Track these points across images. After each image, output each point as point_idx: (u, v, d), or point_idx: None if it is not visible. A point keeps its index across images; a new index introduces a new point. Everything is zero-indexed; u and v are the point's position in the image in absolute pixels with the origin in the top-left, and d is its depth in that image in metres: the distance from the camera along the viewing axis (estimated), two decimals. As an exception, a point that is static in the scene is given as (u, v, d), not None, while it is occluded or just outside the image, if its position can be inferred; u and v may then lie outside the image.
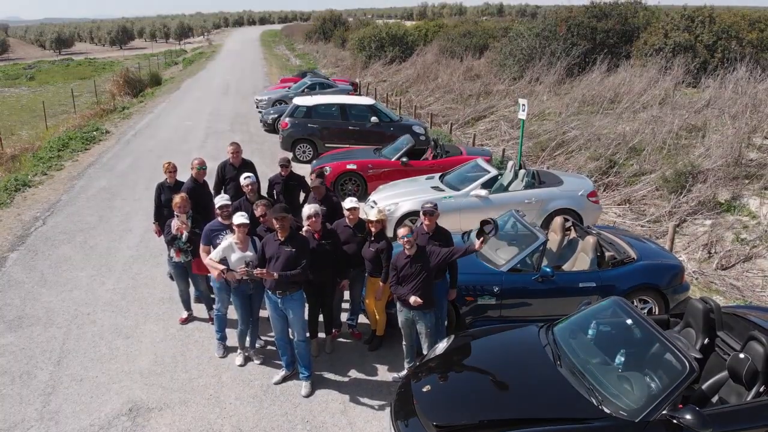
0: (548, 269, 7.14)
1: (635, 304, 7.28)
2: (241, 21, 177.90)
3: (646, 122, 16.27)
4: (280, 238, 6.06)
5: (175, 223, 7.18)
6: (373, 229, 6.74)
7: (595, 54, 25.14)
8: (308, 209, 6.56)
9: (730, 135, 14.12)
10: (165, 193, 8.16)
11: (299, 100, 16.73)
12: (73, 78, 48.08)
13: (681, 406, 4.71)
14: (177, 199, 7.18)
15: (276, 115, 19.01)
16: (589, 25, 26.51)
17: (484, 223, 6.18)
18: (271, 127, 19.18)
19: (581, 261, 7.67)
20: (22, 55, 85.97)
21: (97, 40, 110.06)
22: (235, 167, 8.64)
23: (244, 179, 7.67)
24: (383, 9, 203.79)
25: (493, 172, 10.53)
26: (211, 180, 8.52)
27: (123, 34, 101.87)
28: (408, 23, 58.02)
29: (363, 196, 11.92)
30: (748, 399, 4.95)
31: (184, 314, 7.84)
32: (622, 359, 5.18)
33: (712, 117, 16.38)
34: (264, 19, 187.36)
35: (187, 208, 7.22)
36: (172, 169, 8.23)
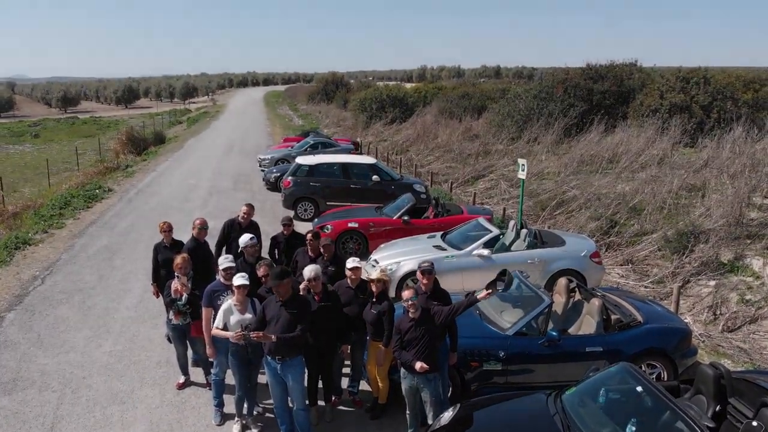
0: (555, 333, 7.02)
1: (643, 368, 7.12)
2: (245, 82, 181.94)
3: (645, 182, 16.40)
4: (280, 299, 5.98)
5: (174, 285, 7.11)
6: (374, 290, 6.66)
7: (592, 114, 25.61)
8: (309, 271, 6.47)
9: (729, 195, 14.20)
10: (162, 253, 8.13)
11: (302, 159, 16.93)
12: (78, 136, 48.82)
13: (697, 479, 4.53)
14: (178, 259, 7.13)
15: (278, 174, 19.17)
16: (586, 86, 27.13)
17: (500, 274, 6.08)
18: (273, 186, 19.31)
19: (587, 324, 7.55)
20: (28, 112, 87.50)
21: (103, 99, 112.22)
22: (242, 226, 8.66)
23: (249, 240, 7.64)
24: (384, 71, 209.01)
25: (495, 231, 10.52)
26: (212, 238, 8.49)
27: (129, 94, 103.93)
28: (408, 85, 59.38)
29: (364, 255, 11.87)
30: (765, 471, 4.77)
31: (181, 379, 7.65)
32: (634, 429, 5.02)
33: (711, 177, 16.52)
34: (268, 80, 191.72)
35: (187, 269, 7.16)
36: (167, 229, 8.23)
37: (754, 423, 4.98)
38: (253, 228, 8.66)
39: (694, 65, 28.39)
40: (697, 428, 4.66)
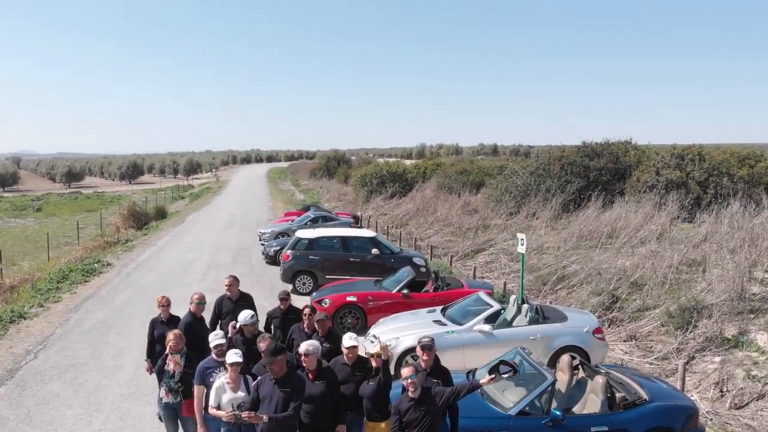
0: (558, 412, 6.82)
1: (651, 449, 6.88)
2: (249, 158, 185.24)
3: (645, 257, 16.38)
4: (274, 377, 5.82)
5: (170, 359, 6.96)
6: (375, 364, 6.49)
7: (589, 191, 25.91)
8: (304, 346, 6.33)
9: (730, 269, 14.14)
10: (158, 328, 8.01)
11: (301, 233, 16.98)
12: (81, 210, 49.25)
13: None
14: (170, 336, 7.01)
15: (278, 248, 19.20)
16: (582, 163, 27.58)
17: (503, 363, 5.98)
18: (273, 259, 19.29)
19: (591, 403, 7.34)
20: (32, 187, 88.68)
21: (107, 175, 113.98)
22: (232, 301, 8.57)
23: (249, 318, 7.54)
24: (384, 149, 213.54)
25: (496, 306, 10.41)
26: (207, 315, 8.38)
27: (133, 170, 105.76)
28: (407, 162, 60.54)
29: (363, 330, 11.69)
30: None
31: (172, 459, 7.36)
32: None
33: (711, 251, 16.51)
34: (271, 158, 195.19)
35: (180, 345, 7.03)
36: (165, 303, 8.15)
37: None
38: (247, 301, 8.56)
39: (687, 142, 29.00)
40: None
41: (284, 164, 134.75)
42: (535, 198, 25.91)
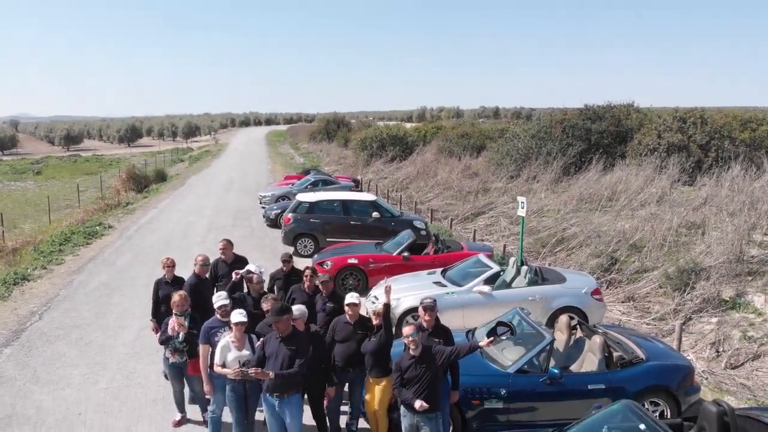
0: (556, 371, 6.94)
1: (646, 406, 7.02)
2: (247, 121, 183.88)
3: (645, 219, 16.43)
4: (280, 336, 5.94)
5: (172, 322, 7.07)
6: (375, 322, 6.64)
7: (590, 154, 25.83)
8: (293, 311, 6.46)
9: (729, 232, 14.21)
10: (163, 288, 8.10)
11: (302, 196, 17.01)
12: (80, 173, 49.14)
13: None
14: (176, 297, 7.11)
15: (279, 211, 19.24)
16: (584, 126, 27.41)
17: (501, 324, 6.08)
18: (273, 223, 19.36)
19: (589, 362, 7.48)
20: (31, 150, 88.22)
21: (106, 138, 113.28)
22: (227, 264, 8.62)
23: (256, 273, 7.65)
24: (384, 112, 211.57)
25: (496, 268, 10.49)
26: None
27: (132, 133, 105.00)
28: (408, 125, 60.08)
29: (364, 291, 11.81)
30: None
31: (178, 416, 7.53)
32: (638, 468, 4.93)
33: (711, 214, 16.56)
34: (270, 120, 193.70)
35: (185, 306, 7.13)
36: (170, 264, 8.22)
37: (760, 462, 4.89)
38: (242, 263, 8.63)
39: (689, 106, 28.74)
40: (702, 467, 4.57)
41: (283, 127, 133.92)
42: (536, 161, 25.84)
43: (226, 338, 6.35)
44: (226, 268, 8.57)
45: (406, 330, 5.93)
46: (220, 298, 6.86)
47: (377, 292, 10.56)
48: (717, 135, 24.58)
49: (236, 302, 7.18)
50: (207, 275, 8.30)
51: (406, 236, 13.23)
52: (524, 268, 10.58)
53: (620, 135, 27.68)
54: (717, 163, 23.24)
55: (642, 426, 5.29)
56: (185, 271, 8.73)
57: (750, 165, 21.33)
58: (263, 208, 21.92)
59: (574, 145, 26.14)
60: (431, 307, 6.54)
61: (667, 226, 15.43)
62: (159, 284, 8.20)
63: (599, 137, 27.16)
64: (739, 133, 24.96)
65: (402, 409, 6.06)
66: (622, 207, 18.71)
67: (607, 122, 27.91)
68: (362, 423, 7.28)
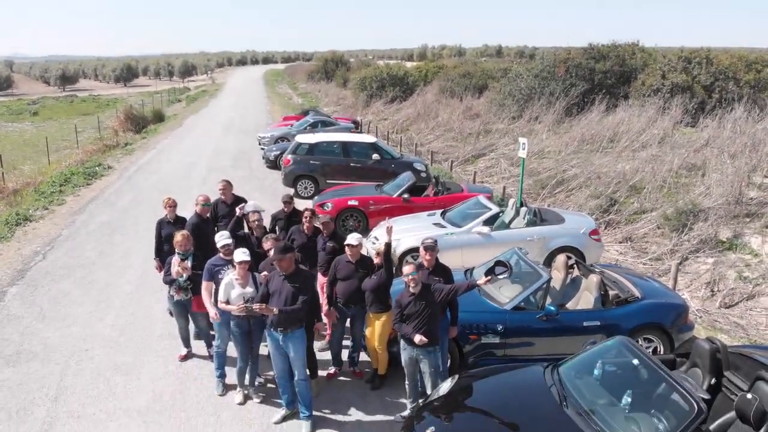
0: (552, 308, 7.09)
1: (640, 343, 7.20)
2: (244, 60, 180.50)
3: (645, 161, 16.39)
4: (283, 273, 6.04)
5: (175, 260, 7.16)
6: (377, 262, 6.77)
7: (593, 94, 25.51)
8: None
9: (729, 174, 14.21)
10: (165, 228, 8.17)
11: (302, 138, 16.89)
12: (77, 114, 48.57)
13: (690, 448, 4.61)
14: (178, 237, 7.18)
15: (278, 152, 19.15)
16: (588, 66, 26.96)
17: (498, 263, 6.15)
18: (273, 164, 19.30)
19: (585, 300, 7.61)
20: (26, 90, 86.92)
21: (101, 78, 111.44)
22: (227, 204, 8.66)
23: (252, 213, 7.70)
24: (384, 50, 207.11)
25: (495, 209, 10.54)
26: None
27: (127, 72, 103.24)
28: (408, 64, 58.99)
29: (364, 233, 11.90)
30: (758, 441, 4.85)
31: (183, 351, 7.74)
32: (629, 400, 5.10)
33: (712, 156, 16.51)
34: (267, 59, 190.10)
35: (188, 246, 7.20)
36: (171, 204, 8.26)
37: (749, 396, 5.04)
38: (242, 203, 8.67)
39: (695, 45, 28.21)
40: (692, 400, 4.73)
41: (281, 66, 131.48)
42: (538, 102, 25.54)
43: (229, 276, 6.46)
44: (226, 208, 8.61)
45: (406, 269, 6.03)
46: (222, 238, 6.93)
47: (378, 232, 10.67)
48: (722, 76, 24.21)
49: (240, 240, 7.25)
50: (208, 215, 8.35)
51: (406, 178, 13.23)
52: (523, 209, 10.63)
53: (624, 75, 27.26)
54: (720, 104, 22.99)
55: (635, 361, 5.43)
56: (186, 211, 8.77)
57: (753, 107, 21.10)
58: (262, 149, 21.80)
59: (577, 86, 25.78)
60: (432, 247, 6.63)
61: (668, 167, 15.41)
62: (161, 224, 8.26)
63: (603, 77, 26.75)
64: (743, 75, 24.57)
65: (402, 342, 6.23)
66: (623, 148, 18.63)
67: (611, 62, 27.43)
68: (363, 356, 7.50)
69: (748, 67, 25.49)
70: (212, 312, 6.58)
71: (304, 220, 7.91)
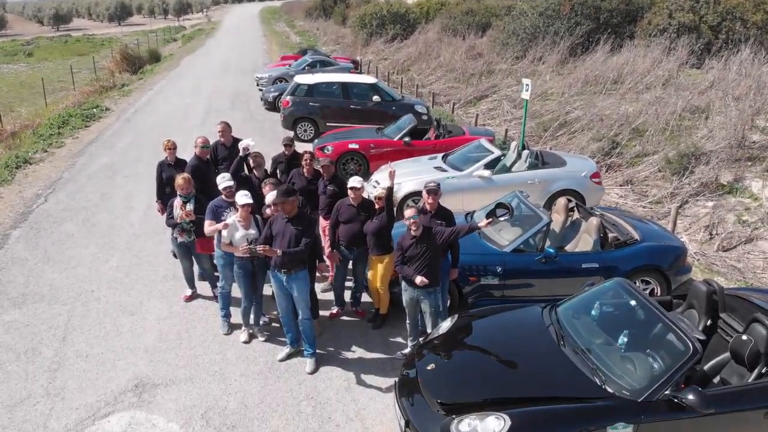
0: (551, 250, 7.16)
1: (637, 284, 7.30)
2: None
3: (649, 103, 16.19)
4: (286, 216, 6.07)
5: (177, 203, 7.18)
6: (378, 206, 6.82)
7: (598, 34, 24.92)
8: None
9: (733, 117, 14.06)
10: (166, 170, 8.17)
11: (300, 78, 16.61)
12: (72, 54, 47.72)
13: (683, 386, 4.76)
14: (179, 180, 7.17)
15: (277, 94, 18.89)
16: (593, 4, 26.23)
17: (499, 206, 6.18)
18: (272, 106, 19.06)
19: (584, 242, 7.68)
20: (20, 31, 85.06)
21: (95, 16, 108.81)
22: (227, 147, 8.61)
23: (251, 141, 7.77)
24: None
25: (497, 152, 10.49)
26: None
27: (121, 10, 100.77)
28: (409, 0, 57.33)
29: (365, 176, 11.87)
30: (750, 380, 5.00)
31: (188, 292, 7.86)
32: (626, 340, 5.22)
33: (716, 99, 16.28)
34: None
35: (189, 189, 7.21)
36: (171, 147, 8.22)
37: (744, 337, 5.15)
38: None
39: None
40: (687, 340, 4.83)
41: (277, 3, 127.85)
42: (542, 41, 25.00)
43: (232, 218, 6.50)
44: (225, 151, 8.56)
45: (408, 212, 6.07)
46: (224, 180, 6.94)
47: (379, 176, 10.64)
48: (729, 16, 23.59)
49: (241, 182, 7.25)
50: (208, 157, 8.32)
51: (407, 121, 13.10)
52: (525, 152, 10.57)
53: (630, 14, 26.55)
54: (727, 45, 22.48)
55: (632, 302, 5.54)
56: (186, 153, 8.74)
57: (760, 49, 20.63)
58: (260, 90, 21.50)
59: (582, 24, 25.16)
60: (434, 191, 6.63)
61: (671, 110, 15.23)
62: (162, 166, 8.24)
63: (609, 16, 26.07)
64: (751, 15, 23.93)
65: (403, 284, 6.34)
66: (627, 90, 18.37)
67: (617, 0, 26.70)
68: (365, 297, 7.65)
69: (756, 7, 24.78)
70: (221, 225, 6.56)
71: (303, 163, 7.89)
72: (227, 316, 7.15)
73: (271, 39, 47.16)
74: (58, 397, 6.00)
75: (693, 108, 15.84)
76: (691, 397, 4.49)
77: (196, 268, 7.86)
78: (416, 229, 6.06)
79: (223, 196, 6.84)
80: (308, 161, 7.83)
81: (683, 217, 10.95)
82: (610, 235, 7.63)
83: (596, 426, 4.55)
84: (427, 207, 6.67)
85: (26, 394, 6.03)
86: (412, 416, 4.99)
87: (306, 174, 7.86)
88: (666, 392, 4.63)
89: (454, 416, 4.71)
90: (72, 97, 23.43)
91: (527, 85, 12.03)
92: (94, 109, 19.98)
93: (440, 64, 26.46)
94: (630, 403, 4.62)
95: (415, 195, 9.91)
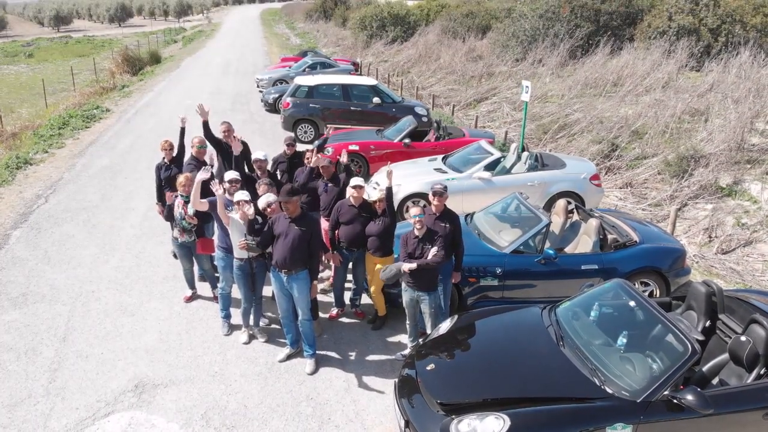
0: (551, 251, 7.18)
1: (637, 286, 7.31)
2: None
3: (648, 106, 16.23)
4: (289, 216, 6.10)
5: (179, 202, 7.20)
6: (379, 208, 6.85)
7: (598, 36, 25.00)
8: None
9: (732, 120, 14.10)
10: (163, 171, 8.18)
11: (301, 80, 16.64)
12: (72, 55, 47.76)
13: (682, 387, 4.77)
14: (181, 179, 7.21)
15: (277, 95, 18.92)
16: (593, 6, 26.31)
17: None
18: (272, 107, 19.09)
19: (584, 243, 7.70)
20: (21, 32, 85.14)
21: (95, 18, 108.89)
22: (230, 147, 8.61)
23: (260, 157, 7.80)
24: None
25: (496, 154, 10.52)
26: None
27: (122, 12, 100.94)
28: (410, 2, 57.35)
29: (365, 178, 11.89)
30: (749, 381, 5.01)
31: (189, 292, 7.88)
32: (625, 340, 5.23)
33: (715, 101, 16.33)
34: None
35: (191, 188, 7.22)
36: (168, 147, 8.25)
37: (743, 338, 5.17)
38: (243, 146, 8.62)
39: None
40: (686, 340, 4.85)
41: (278, 5, 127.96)
42: (542, 44, 25.06)
43: (233, 215, 6.51)
44: (228, 150, 8.56)
45: (413, 210, 6.12)
46: (230, 173, 7.00)
47: (379, 178, 10.67)
48: (729, 19, 23.66)
49: (247, 181, 7.28)
50: (204, 158, 8.33)
51: (407, 123, 13.12)
52: (525, 154, 10.59)
53: (630, 16, 26.64)
54: (726, 48, 22.55)
55: (631, 303, 5.55)
56: (185, 153, 8.74)
57: (759, 51, 20.69)
58: (261, 91, 21.52)
59: (582, 27, 25.24)
60: (440, 193, 6.60)
61: (671, 112, 15.28)
62: (160, 168, 8.26)
63: (608, 18, 26.15)
64: (750, 18, 24.00)
65: (403, 284, 6.36)
66: (627, 93, 18.41)
67: (617, 2, 26.76)
68: (365, 298, 7.68)
69: (755, 10, 24.85)
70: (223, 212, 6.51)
71: (306, 161, 7.94)
72: (227, 317, 7.16)
73: (272, 41, 47.18)
74: (59, 396, 6.01)
75: (692, 111, 15.89)
76: (689, 397, 4.50)
77: (196, 269, 7.87)
78: (420, 228, 6.09)
79: (226, 194, 6.85)
80: (314, 152, 7.95)
81: (682, 219, 10.97)
82: (610, 236, 7.65)
83: (595, 426, 4.56)
84: (434, 209, 6.66)
85: (26, 394, 6.04)
86: (411, 416, 5.00)
87: (312, 165, 7.88)
88: (665, 393, 4.64)
89: (453, 416, 4.73)
90: (72, 98, 23.46)
91: (527, 87, 12.06)
92: (95, 110, 19.99)
93: (440, 66, 26.51)
94: (629, 403, 4.64)
95: (414, 197, 9.94)
